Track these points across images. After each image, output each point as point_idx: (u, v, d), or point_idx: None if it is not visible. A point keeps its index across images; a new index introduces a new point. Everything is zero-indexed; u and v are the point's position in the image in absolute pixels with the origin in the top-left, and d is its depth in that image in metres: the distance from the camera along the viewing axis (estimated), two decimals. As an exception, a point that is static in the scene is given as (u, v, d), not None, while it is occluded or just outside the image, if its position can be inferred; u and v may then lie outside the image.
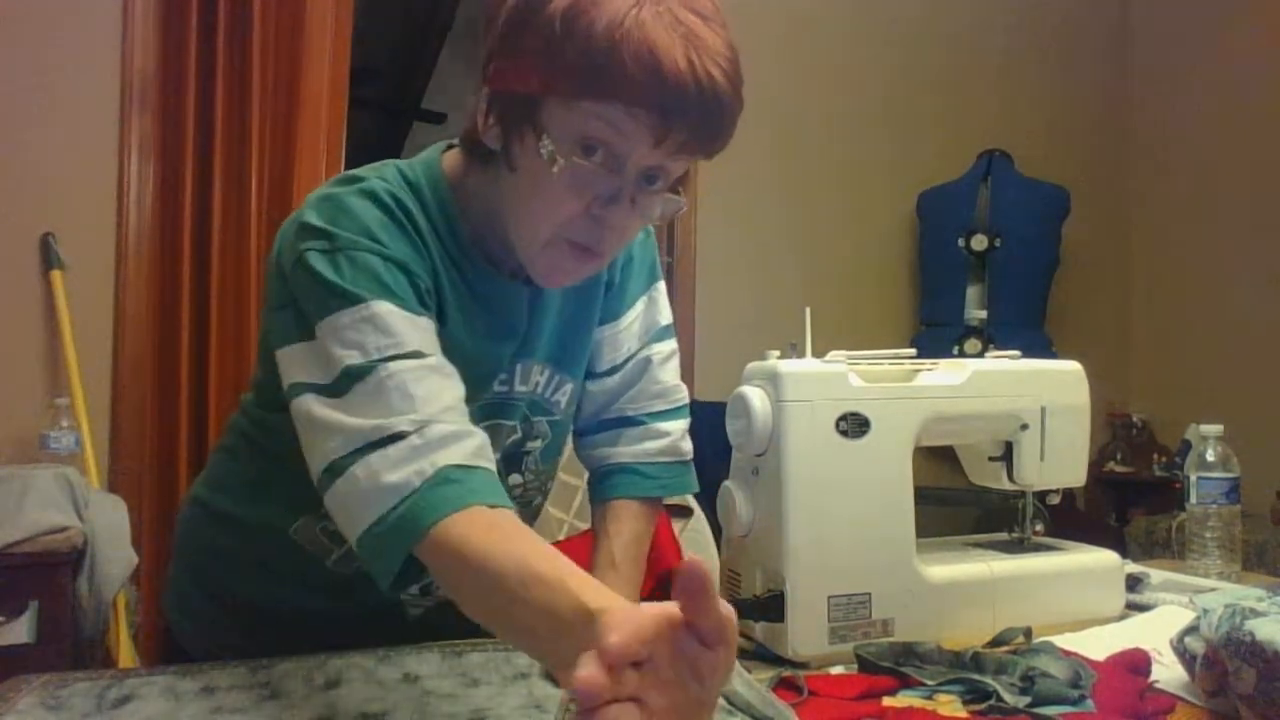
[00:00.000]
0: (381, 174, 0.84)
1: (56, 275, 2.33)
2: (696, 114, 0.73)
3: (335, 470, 0.72)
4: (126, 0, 2.44)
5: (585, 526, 1.80)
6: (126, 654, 2.15)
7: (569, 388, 0.97)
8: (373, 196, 0.80)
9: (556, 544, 1.91)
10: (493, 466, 0.74)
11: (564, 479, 1.89)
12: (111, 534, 2.01)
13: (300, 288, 0.78)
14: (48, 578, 1.93)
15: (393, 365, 0.73)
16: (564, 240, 0.79)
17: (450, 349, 0.82)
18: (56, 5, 2.39)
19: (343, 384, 0.73)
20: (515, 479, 0.97)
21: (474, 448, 0.73)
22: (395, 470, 0.69)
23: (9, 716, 0.71)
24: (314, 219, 0.79)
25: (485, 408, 0.91)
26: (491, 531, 0.66)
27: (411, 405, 0.72)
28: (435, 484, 0.68)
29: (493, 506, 0.69)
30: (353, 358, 0.74)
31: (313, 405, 0.75)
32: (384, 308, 0.75)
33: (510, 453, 0.95)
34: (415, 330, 0.76)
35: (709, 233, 3.31)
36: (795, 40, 3.45)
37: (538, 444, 0.97)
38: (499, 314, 0.89)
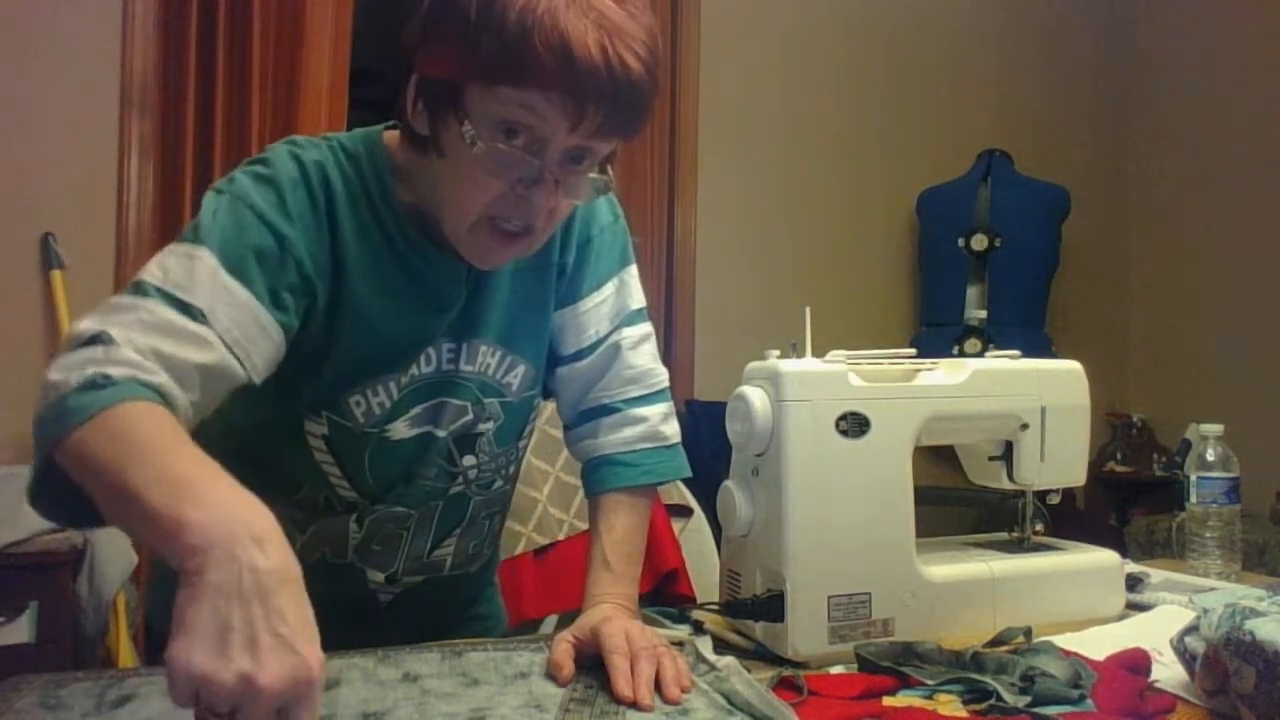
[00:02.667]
0: (321, 142, 0.88)
1: (56, 275, 2.33)
2: (610, 98, 0.76)
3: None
4: (126, 0, 2.44)
5: (585, 526, 1.79)
6: (126, 654, 2.15)
7: (521, 369, 0.98)
8: (298, 160, 0.84)
9: (556, 544, 1.92)
10: (153, 382, 0.69)
11: (564, 479, 1.89)
12: (111, 534, 2.01)
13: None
14: (48, 578, 1.93)
15: (160, 307, 0.73)
16: (490, 222, 0.82)
17: (359, 316, 0.86)
18: (57, 5, 2.39)
19: (130, 289, 0.75)
20: (469, 460, 0.98)
21: (137, 371, 0.69)
22: (62, 371, 0.67)
23: (9, 716, 0.71)
24: (245, 166, 0.83)
25: (431, 385, 0.92)
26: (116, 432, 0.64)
27: (144, 344, 0.70)
28: (82, 388, 0.66)
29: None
30: (151, 275, 0.76)
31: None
32: (208, 261, 0.76)
33: (462, 434, 0.96)
34: (219, 294, 0.76)
35: (709, 233, 3.31)
36: (795, 40, 3.45)
37: (490, 426, 0.98)
38: (429, 287, 0.90)
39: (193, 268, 0.76)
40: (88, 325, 0.71)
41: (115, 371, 0.67)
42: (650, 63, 0.77)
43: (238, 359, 0.76)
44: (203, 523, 0.56)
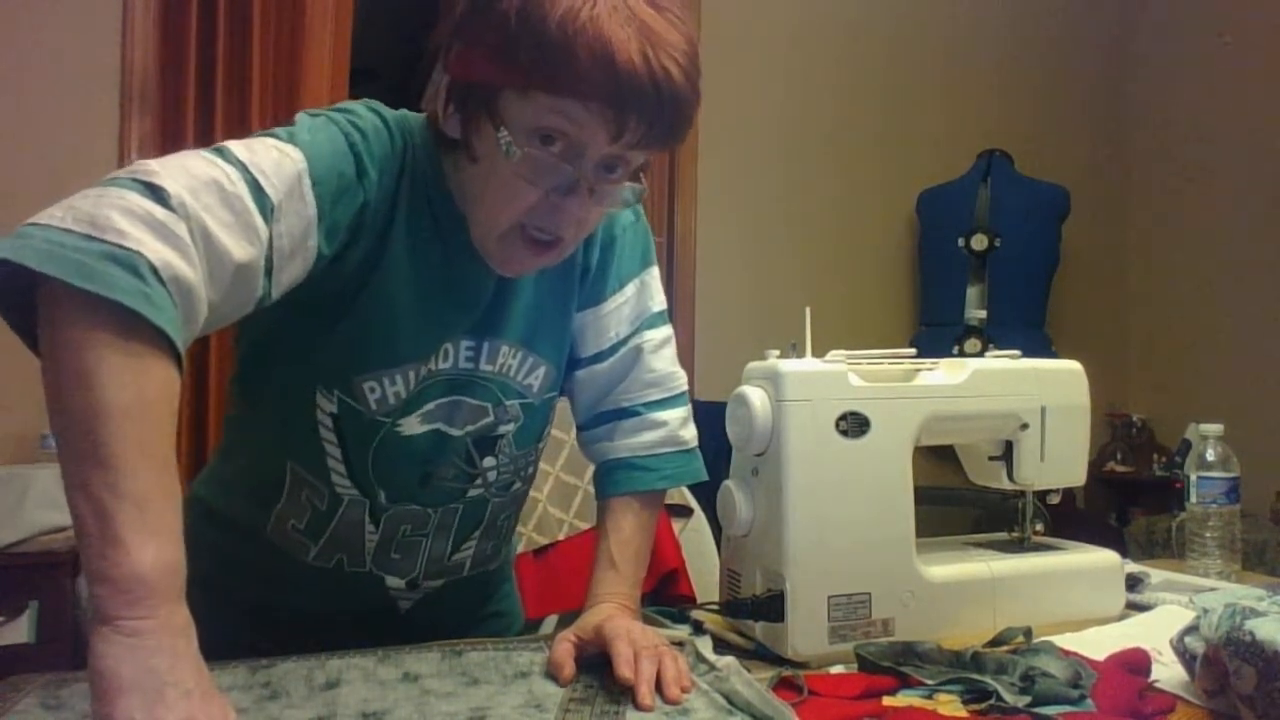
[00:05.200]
0: (396, 113, 0.87)
1: (56, 275, 2.33)
2: (653, 110, 0.74)
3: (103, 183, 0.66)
4: (126, 0, 2.44)
5: (585, 526, 1.80)
6: (126, 654, 2.15)
7: (542, 370, 0.96)
8: (379, 114, 0.85)
9: (556, 544, 1.92)
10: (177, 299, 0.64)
11: (564, 479, 1.88)
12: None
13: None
14: (48, 578, 1.94)
15: (240, 181, 0.69)
16: (521, 230, 0.81)
17: (388, 286, 0.83)
18: (57, 5, 2.40)
19: (211, 150, 0.71)
20: (489, 462, 0.96)
21: (185, 269, 0.64)
22: (124, 216, 0.62)
23: (9, 716, 0.71)
24: (329, 109, 0.83)
25: (448, 383, 0.91)
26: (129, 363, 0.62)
27: (199, 207, 0.66)
28: (119, 262, 0.60)
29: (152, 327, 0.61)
30: (237, 149, 0.72)
31: None
32: (299, 164, 0.74)
33: (482, 436, 0.95)
34: (294, 199, 0.73)
35: (709, 233, 3.32)
36: (795, 40, 3.45)
37: (511, 427, 0.96)
38: (458, 279, 0.88)
39: (280, 162, 0.73)
40: (154, 169, 0.66)
41: (155, 258, 0.61)
42: (692, 72, 0.76)
43: (270, 269, 0.72)
44: (147, 574, 0.59)
